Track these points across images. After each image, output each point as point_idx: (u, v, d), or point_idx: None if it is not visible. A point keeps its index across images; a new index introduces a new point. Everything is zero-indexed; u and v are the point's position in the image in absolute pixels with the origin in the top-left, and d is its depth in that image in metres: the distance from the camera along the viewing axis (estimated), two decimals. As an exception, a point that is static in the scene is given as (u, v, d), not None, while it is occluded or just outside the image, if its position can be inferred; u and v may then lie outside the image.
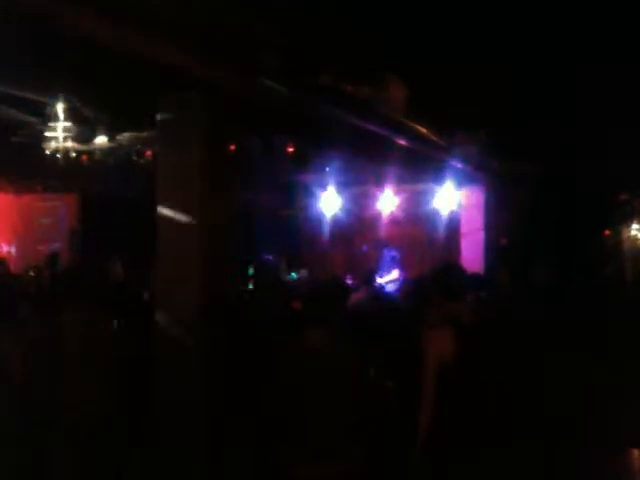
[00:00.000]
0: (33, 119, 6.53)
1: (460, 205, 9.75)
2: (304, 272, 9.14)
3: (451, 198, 9.63)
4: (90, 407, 3.57)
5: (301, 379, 3.05)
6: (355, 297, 6.08)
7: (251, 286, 7.03)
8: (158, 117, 4.66)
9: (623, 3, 5.80)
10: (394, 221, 10.31)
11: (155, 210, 4.52)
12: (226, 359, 4.10)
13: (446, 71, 6.25)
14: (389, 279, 8.44)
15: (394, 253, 9.13)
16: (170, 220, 4.41)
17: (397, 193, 10.23)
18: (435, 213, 9.92)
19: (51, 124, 6.36)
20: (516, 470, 3.45)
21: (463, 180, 9.37)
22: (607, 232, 12.03)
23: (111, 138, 7.40)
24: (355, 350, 3.22)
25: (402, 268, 9.01)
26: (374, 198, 10.40)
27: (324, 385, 3.02)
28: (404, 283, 7.64)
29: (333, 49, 4.73)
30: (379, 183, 10.06)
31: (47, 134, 6.55)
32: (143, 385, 4.04)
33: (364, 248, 10.33)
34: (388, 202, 10.24)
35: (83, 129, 6.86)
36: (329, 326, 3.15)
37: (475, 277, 5.63)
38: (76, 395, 3.56)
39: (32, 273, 6.48)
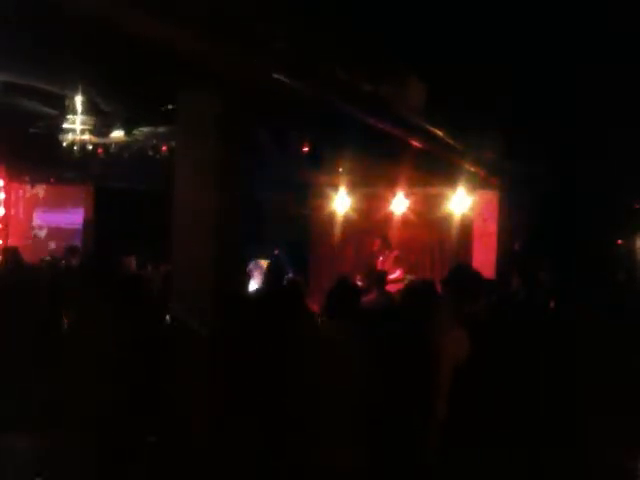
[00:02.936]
0: (51, 111, 6.58)
1: (473, 209, 9.71)
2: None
3: (464, 201, 9.59)
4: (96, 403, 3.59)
5: (316, 367, 3.05)
6: (367, 299, 6.00)
7: None
8: (175, 112, 4.69)
9: (623, 3, 5.72)
10: (406, 223, 10.26)
11: (170, 204, 4.56)
12: (240, 347, 4.08)
13: (458, 73, 6.18)
14: (392, 279, 8.32)
15: (397, 253, 9.04)
16: (185, 213, 4.44)
17: (409, 195, 10.20)
18: (448, 216, 9.87)
19: (69, 116, 6.41)
20: (525, 469, 3.45)
21: (477, 183, 9.32)
22: (620, 241, 11.96)
23: (128, 132, 7.45)
24: (368, 347, 3.21)
25: (405, 269, 8.92)
26: (386, 200, 10.37)
27: (338, 373, 3.02)
28: (413, 285, 7.53)
29: (351, 46, 4.70)
30: (392, 184, 10.02)
31: (65, 126, 6.60)
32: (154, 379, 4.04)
33: (374, 249, 10.27)
34: (400, 204, 10.21)
35: (100, 122, 6.91)
36: (344, 320, 3.15)
37: (486, 281, 5.59)
38: (81, 388, 3.58)
39: (48, 257, 6.57)
